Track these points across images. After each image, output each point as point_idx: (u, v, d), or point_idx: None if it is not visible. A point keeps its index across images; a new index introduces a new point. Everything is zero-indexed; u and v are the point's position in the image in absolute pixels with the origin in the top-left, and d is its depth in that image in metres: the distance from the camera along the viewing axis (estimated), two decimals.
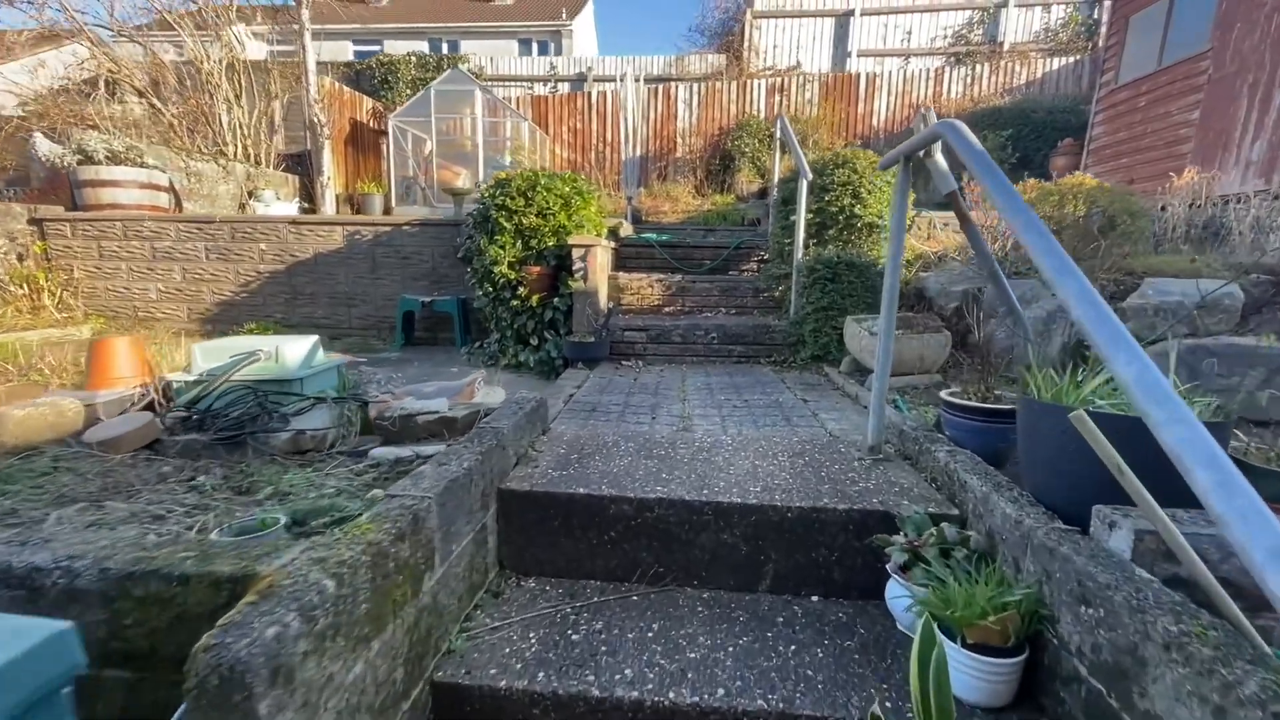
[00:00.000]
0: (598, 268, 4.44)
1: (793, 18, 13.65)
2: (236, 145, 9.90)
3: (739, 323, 4.49)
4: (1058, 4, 13.07)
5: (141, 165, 6.82)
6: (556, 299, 4.51)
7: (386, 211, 11.14)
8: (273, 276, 6.15)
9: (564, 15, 24.74)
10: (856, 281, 3.88)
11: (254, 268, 6.15)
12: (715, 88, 12.55)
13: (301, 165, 10.83)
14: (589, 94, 12.85)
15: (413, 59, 13.77)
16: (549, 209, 4.55)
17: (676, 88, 12.65)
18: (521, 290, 4.54)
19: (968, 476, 1.68)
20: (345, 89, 11.44)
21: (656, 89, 12.67)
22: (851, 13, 13.36)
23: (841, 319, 3.94)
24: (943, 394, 2.30)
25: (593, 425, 2.75)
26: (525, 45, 25.67)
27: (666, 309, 4.97)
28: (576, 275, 4.35)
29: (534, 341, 4.62)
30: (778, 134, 5.76)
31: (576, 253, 4.36)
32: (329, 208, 10.52)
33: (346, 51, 24.54)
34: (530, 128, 11.19)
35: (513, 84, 14.69)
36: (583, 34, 26.53)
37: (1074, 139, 9.73)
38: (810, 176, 4.13)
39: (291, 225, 6.07)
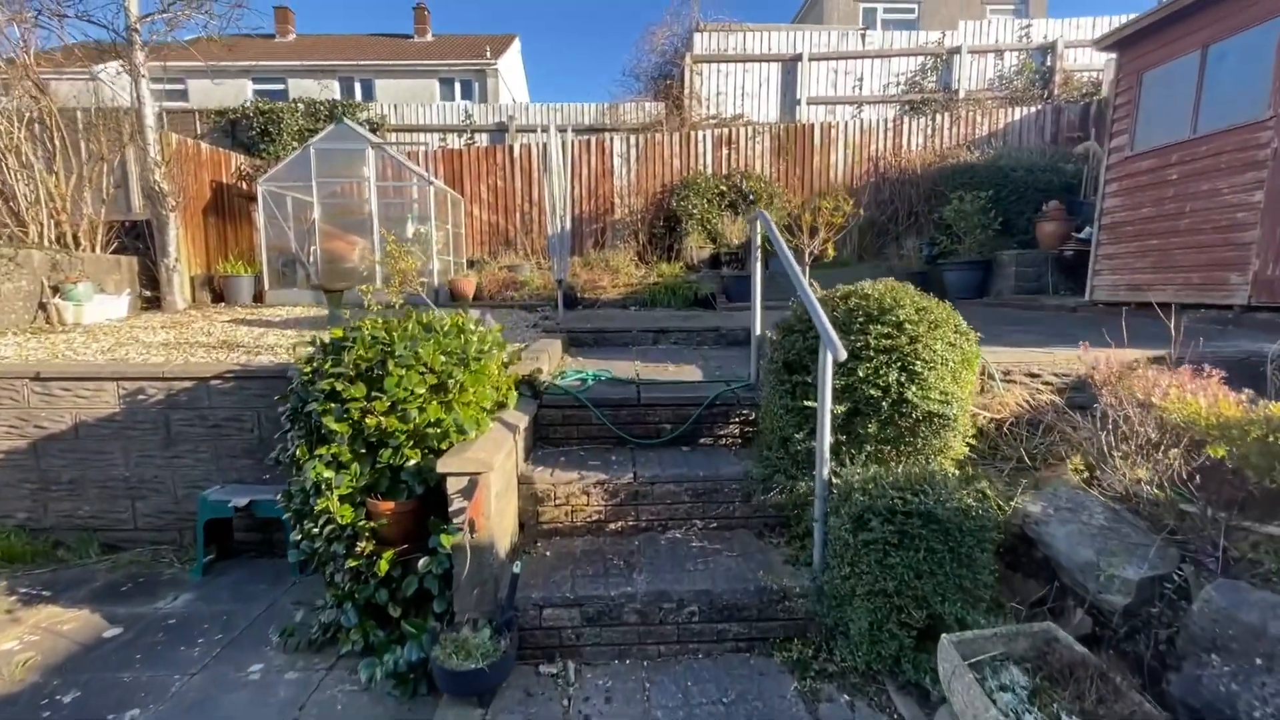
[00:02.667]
0: (491, 501, 2.63)
1: (737, 62, 12.44)
2: (41, 224, 7.61)
3: (730, 574, 2.76)
4: (1010, 50, 12.39)
5: None
6: (426, 558, 2.65)
7: (258, 298, 8.99)
8: (10, 457, 4.02)
9: (488, 54, 23.22)
10: (942, 549, 2.23)
11: None
12: (655, 140, 11.10)
13: (144, 240, 8.56)
14: (511, 147, 11.14)
15: (299, 106, 11.73)
16: (410, 397, 2.72)
17: (611, 139, 11.12)
18: (363, 545, 2.66)
19: None
20: (204, 146, 9.28)
21: (589, 141, 11.10)
22: (799, 58, 12.27)
23: (917, 612, 2.26)
24: None
25: None
26: (448, 86, 23.96)
27: (611, 528, 3.19)
28: (455, 525, 2.52)
29: (393, 615, 2.73)
30: (756, 240, 4.12)
31: (454, 485, 2.54)
32: (178, 296, 8.31)
33: (245, 91, 22.22)
34: (438, 192, 9.34)
35: (422, 135, 12.83)
36: (511, 75, 25.07)
37: (1059, 201, 8.70)
38: (842, 354, 2.47)
39: (35, 383, 3.98)
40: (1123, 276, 6.29)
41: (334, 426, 2.70)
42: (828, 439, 2.61)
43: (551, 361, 4.60)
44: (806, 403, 2.82)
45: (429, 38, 25.64)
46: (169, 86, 22.79)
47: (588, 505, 3.19)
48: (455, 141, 12.60)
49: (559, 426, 3.78)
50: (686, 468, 3.33)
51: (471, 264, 10.59)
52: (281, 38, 25.27)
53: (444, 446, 2.73)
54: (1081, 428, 3.18)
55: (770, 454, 3.19)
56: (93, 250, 8.02)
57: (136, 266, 8.34)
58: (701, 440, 3.80)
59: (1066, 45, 12.21)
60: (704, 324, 6.28)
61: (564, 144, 10.67)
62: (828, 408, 2.57)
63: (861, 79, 12.47)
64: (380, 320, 3.02)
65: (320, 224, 8.99)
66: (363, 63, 23.40)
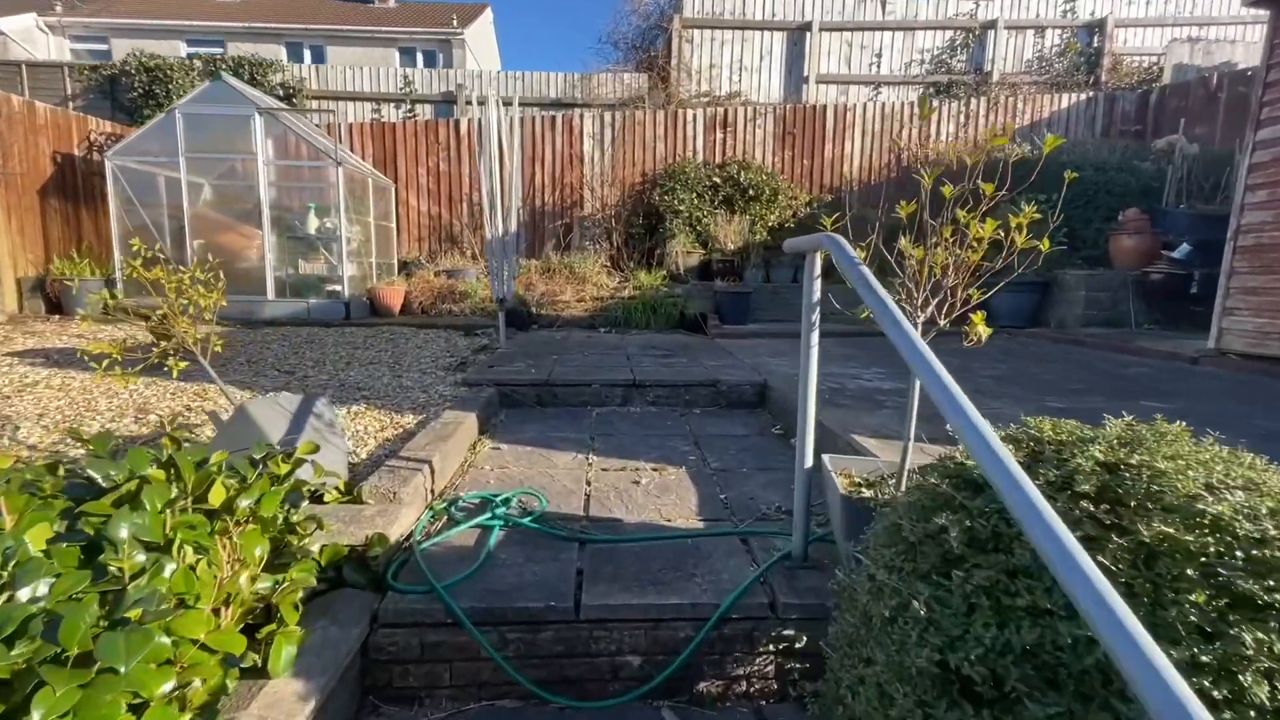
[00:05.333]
0: None
1: (734, 29, 10.50)
2: None
3: None
4: (1053, 28, 10.62)
5: None
6: None
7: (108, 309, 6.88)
8: None
9: (454, 22, 20.92)
10: None
11: None
12: (635, 118, 9.13)
13: None
14: (458, 122, 9.09)
15: (196, 63, 9.53)
16: None
17: (582, 117, 9.14)
18: None
19: None
20: (42, 106, 7.08)
21: (554, 118, 9.09)
22: (808, 26, 10.37)
23: None
24: None
25: None
26: (408, 56, 21.58)
27: None
28: None
29: None
30: (813, 294, 2.23)
31: None
32: None
33: (179, 53, 19.67)
34: (354, 174, 7.28)
35: (352, 105, 10.69)
36: (481, 47, 22.75)
37: (1139, 210, 6.96)
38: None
39: None
40: (1276, 320, 4.54)
41: None
42: None
43: (442, 471, 2.66)
44: None
45: (391, 3, 23.27)
46: (92, 46, 20.27)
47: None
48: (393, 114, 10.50)
49: (414, 665, 1.85)
50: None
51: (405, 266, 8.57)
52: None
53: None
54: None
55: None
56: None
57: None
58: (700, 685, 1.91)
59: (1117, 24, 10.49)
60: (694, 373, 4.40)
61: (519, 120, 8.62)
62: None
63: (880, 55, 10.62)
64: None
65: (202, 211, 6.92)
66: (313, 27, 20.94)
